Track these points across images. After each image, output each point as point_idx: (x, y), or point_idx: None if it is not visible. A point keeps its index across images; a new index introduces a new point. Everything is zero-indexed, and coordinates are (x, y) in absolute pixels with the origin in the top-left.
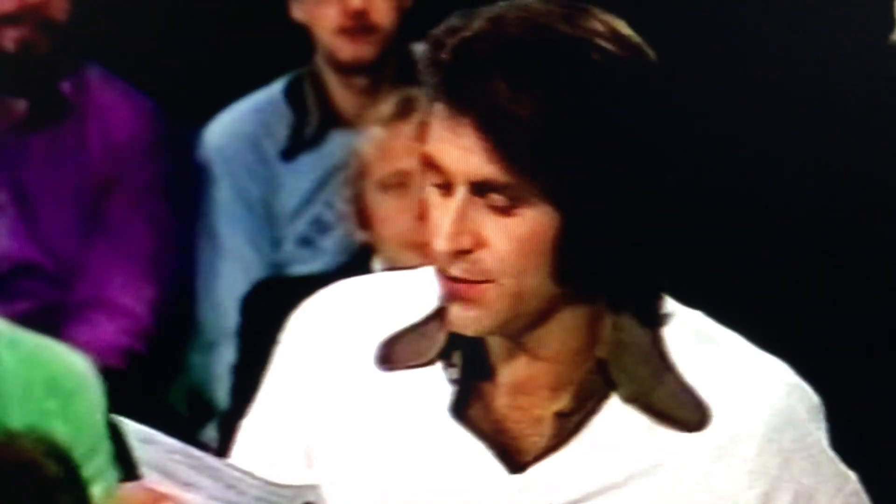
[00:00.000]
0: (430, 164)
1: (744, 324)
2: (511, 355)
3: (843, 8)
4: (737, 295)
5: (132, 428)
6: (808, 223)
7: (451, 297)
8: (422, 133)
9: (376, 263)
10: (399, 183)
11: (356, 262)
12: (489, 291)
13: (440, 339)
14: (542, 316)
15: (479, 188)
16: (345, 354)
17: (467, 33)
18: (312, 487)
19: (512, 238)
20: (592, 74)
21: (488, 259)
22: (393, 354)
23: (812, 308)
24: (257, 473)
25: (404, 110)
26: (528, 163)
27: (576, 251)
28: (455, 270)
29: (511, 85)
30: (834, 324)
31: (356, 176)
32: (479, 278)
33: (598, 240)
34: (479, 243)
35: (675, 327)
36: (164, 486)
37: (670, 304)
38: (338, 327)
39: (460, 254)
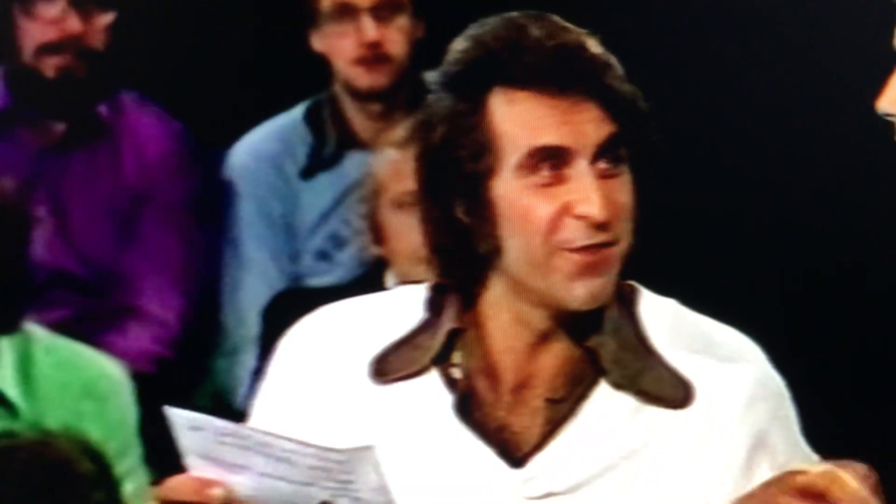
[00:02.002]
0: (544, 153)
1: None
2: (518, 352)
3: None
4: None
5: (180, 416)
6: (792, 230)
7: (583, 271)
8: (530, 131)
9: (389, 277)
10: (411, 202)
11: (370, 275)
12: (613, 254)
13: (432, 347)
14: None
15: (602, 150)
16: (337, 374)
17: (538, 34)
18: (366, 449)
19: (626, 197)
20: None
21: (616, 220)
22: (386, 367)
23: (791, 308)
24: (310, 442)
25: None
26: (629, 122)
27: (640, 209)
28: (599, 238)
29: (613, 74)
30: (810, 324)
31: (371, 194)
32: (613, 239)
33: (651, 197)
34: (615, 207)
35: (653, 314)
36: (211, 472)
37: (644, 292)
38: (328, 348)
39: (604, 224)
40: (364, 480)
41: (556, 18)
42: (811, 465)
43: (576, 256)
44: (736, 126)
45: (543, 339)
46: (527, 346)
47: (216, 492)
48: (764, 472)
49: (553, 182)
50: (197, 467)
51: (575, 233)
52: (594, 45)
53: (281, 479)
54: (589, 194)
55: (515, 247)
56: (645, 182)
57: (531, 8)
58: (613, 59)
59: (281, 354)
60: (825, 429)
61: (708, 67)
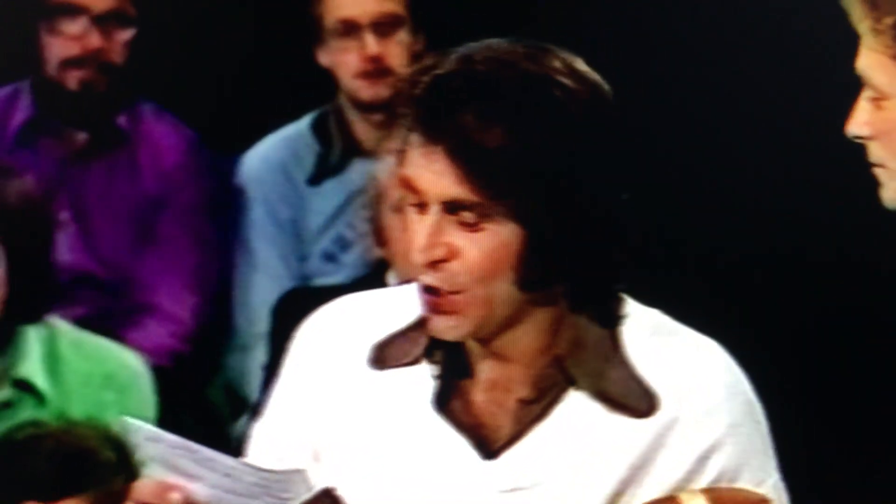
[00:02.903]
0: (407, 186)
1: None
2: (487, 356)
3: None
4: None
5: (138, 427)
6: (759, 231)
7: (429, 308)
8: (401, 160)
9: (391, 277)
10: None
11: (373, 275)
12: (462, 301)
13: (423, 342)
14: (510, 321)
15: (451, 207)
16: (344, 361)
17: (439, 71)
18: (299, 472)
19: (481, 250)
20: (553, 108)
21: (460, 270)
22: (383, 356)
23: (757, 307)
24: (248, 462)
25: None
26: (494, 186)
27: (538, 262)
28: (431, 280)
29: (479, 118)
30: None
31: (374, 200)
32: (452, 289)
33: (557, 251)
34: (452, 255)
35: (633, 324)
36: (172, 479)
37: (630, 304)
38: (337, 337)
39: (434, 264)
40: (299, 497)
41: (526, 53)
42: (692, 491)
43: (422, 294)
44: (716, 146)
45: (501, 348)
46: (491, 353)
47: (175, 496)
48: (710, 479)
49: (419, 216)
50: (160, 474)
51: (416, 271)
52: (501, 96)
53: (228, 491)
54: (418, 240)
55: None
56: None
57: (526, 26)
58: (516, 110)
59: (299, 341)
60: (795, 439)
61: (689, 88)
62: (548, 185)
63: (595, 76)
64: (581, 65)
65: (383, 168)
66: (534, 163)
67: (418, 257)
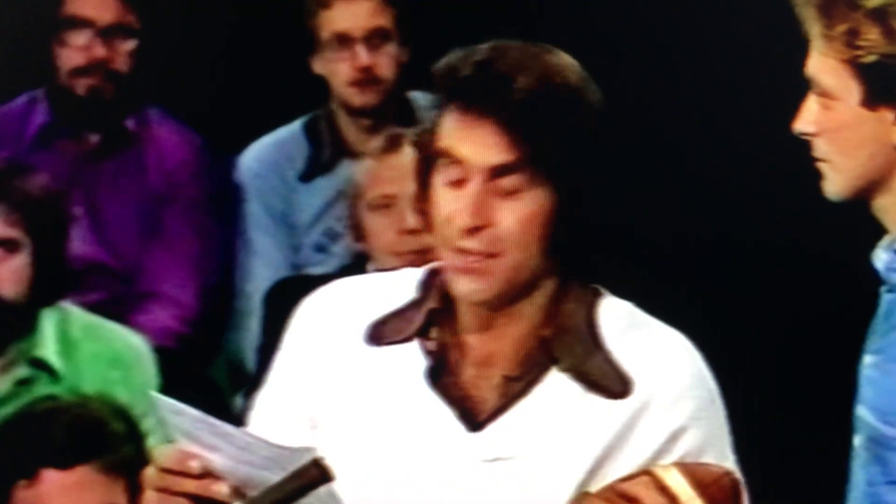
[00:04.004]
0: (448, 157)
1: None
2: (480, 332)
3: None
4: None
5: (164, 402)
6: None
7: (463, 270)
8: (433, 137)
9: (370, 268)
10: (385, 204)
11: (355, 266)
12: (496, 265)
13: (417, 320)
14: (529, 287)
15: (496, 172)
16: (341, 337)
17: (479, 57)
18: (308, 449)
19: (518, 216)
20: (574, 89)
21: (499, 235)
22: (379, 333)
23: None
24: (263, 437)
25: (391, 146)
26: (540, 149)
27: (566, 226)
28: (472, 244)
29: (528, 87)
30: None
31: (352, 198)
32: (489, 251)
33: (582, 217)
34: (492, 221)
35: (611, 315)
36: (194, 449)
37: (607, 296)
38: (334, 316)
39: (478, 230)
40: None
41: (536, 49)
42: (658, 467)
43: (453, 255)
44: (673, 142)
45: (497, 323)
46: (485, 328)
47: (194, 464)
48: (677, 458)
49: (457, 185)
50: (182, 443)
51: (454, 234)
52: (534, 76)
53: (243, 463)
54: (465, 205)
55: (435, 236)
56: (576, 197)
57: (502, 34)
58: (546, 87)
59: (298, 319)
60: (753, 427)
61: (653, 88)
62: (580, 153)
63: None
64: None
65: (360, 170)
66: (571, 131)
67: (467, 220)
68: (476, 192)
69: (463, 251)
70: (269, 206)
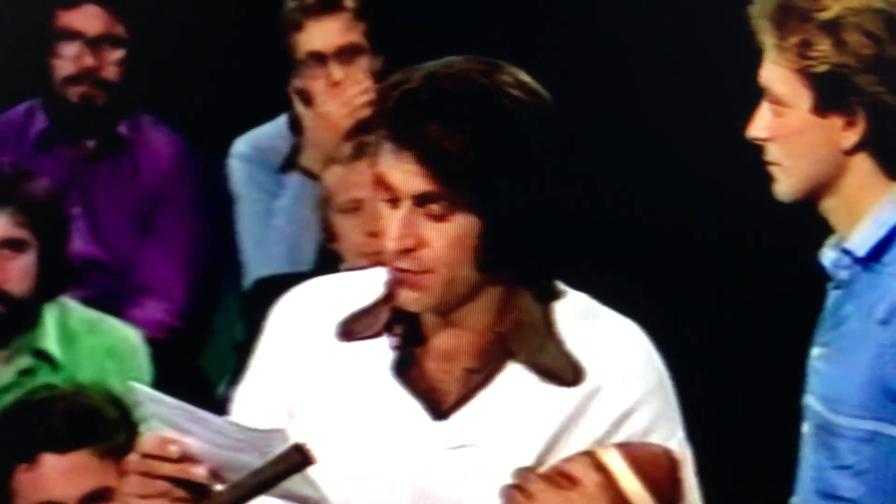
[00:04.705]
0: (382, 184)
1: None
2: (441, 329)
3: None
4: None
5: (143, 391)
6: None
7: (400, 284)
8: (374, 161)
9: (342, 267)
10: (354, 208)
11: (327, 265)
12: (428, 279)
13: (385, 317)
14: (466, 297)
15: (420, 200)
16: (315, 333)
17: (407, 86)
18: (279, 431)
19: (446, 238)
20: (504, 116)
21: (428, 255)
22: (349, 329)
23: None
24: (236, 421)
25: (358, 153)
26: (457, 182)
27: (493, 248)
28: (403, 264)
29: (442, 125)
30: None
31: (322, 202)
32: (421, 269)
33: (509, 238)
34: (421, 243)
35: (565, 307)
36: (171, 434)
37: (562, 288)
38: (309, 313)
39: (406, 251)
40: (279, 451)
41: (477, 71)
42: (597, 448)
43: (393, 272)
44: (634, 147)
45: (453, 322)
46: (444, 326)
47: (173, 448)
48: (625, 437)
49: (392, 204)
50: (161, 429)
51: (389, 256)
52: (457, 111)
53: (218, 446)
54: (396, 228)
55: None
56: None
57: (472, 43)
58: (468, 122)
59: (275, 316)
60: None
61: (614, 94)
62: (502, 181)
63: (538, 87)
64: (526, 77)
65: (329, 176)
66: (489, 162)
67: (393, 245)
68: (405, 216)
69: (397, 268)
70: (261, 187)
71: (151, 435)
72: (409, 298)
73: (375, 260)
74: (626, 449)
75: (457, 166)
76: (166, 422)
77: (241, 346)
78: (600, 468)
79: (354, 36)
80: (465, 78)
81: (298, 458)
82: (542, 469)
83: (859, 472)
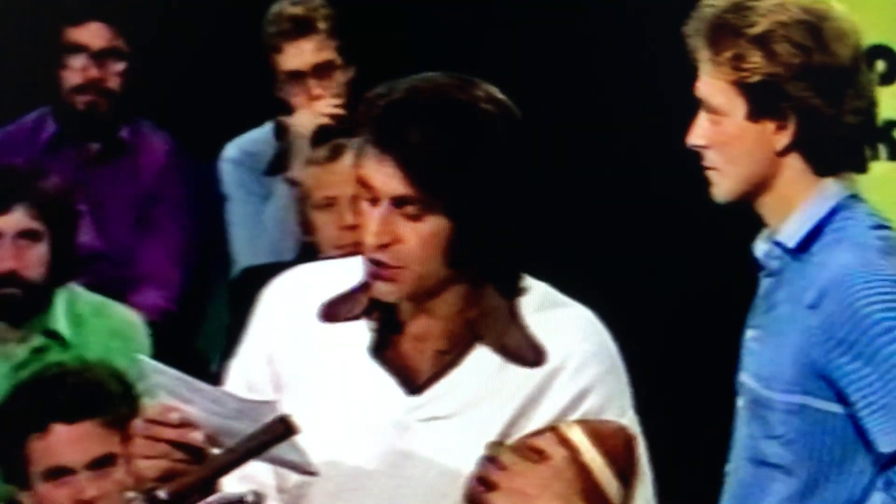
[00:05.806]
0: (364, 184)
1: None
2: (414, 315)
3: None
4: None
5: (149, 363)
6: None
7: (375, 276)
8: (358, 163)
9: (319, 258)
10: (328, 204)
11: (306, 256)
12: (401, 274)
13: (364, 302)
14: (437, 289)
15: (398, 202)
16: (300, 315)
17: (392, 97)
18: (270, 403)
19: (419, 237)
20: (477, 127)
21: (402, 250)
22: (331, 312)
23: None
24: (232, 392)
25: (334, 154)
26: (432, 186)
27: (461, 246)
28: (379, 256)
29: (421, 135)
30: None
31: (300, 199)
32: (395, 264)
33: (477, 238)
34: (396, 239)
35: (528, 295)
36: (173, 403)
37: (526, 279)
38: (295, 296)
39: (383, 246)
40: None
41: (452, 86)
42: (563, 424)
43: (369, 265)
44: (586, 154)
45: (425, 308)
46: (417, 312)
47: (174, 415)
48: (582, 414)
49: (372, 203)
50: (164, 398)
51: (367, 246)
52: (435, 123)
53: (215, 414)
54: (374, 225)
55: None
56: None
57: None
58: (445, 133)
59: (265, 298)
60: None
61: (569, 106)
62: (472, 187)
63: (507, 101)
64: (498, 93)
65: (307, 175)
66: (462, 169)
67: (371, 239)
68: (383, 214)
69: (373, 261)
70: (249, 189)
71: (154, 404)
72: (383, 290)
73: (348, 251)
74: (587, 425)
75: (432, 172)
76: (169, 391)
77: (230, 328)
78: (565, 442)
79: (328, 53)
80: (444, 92)
81: (283, 429)
82: (510, 442)
83: (788, 442)
